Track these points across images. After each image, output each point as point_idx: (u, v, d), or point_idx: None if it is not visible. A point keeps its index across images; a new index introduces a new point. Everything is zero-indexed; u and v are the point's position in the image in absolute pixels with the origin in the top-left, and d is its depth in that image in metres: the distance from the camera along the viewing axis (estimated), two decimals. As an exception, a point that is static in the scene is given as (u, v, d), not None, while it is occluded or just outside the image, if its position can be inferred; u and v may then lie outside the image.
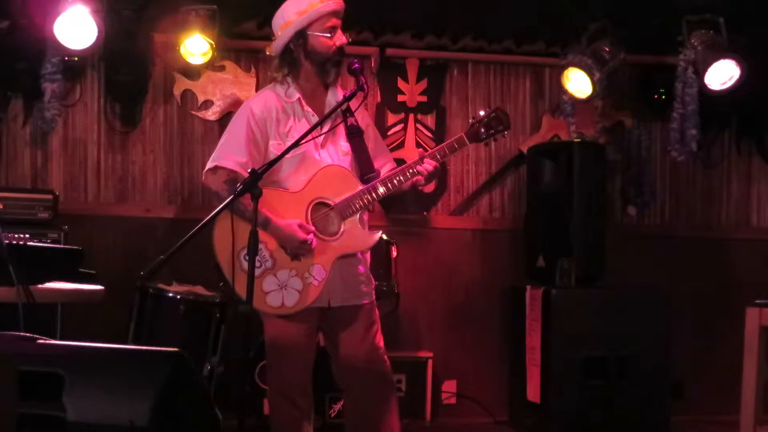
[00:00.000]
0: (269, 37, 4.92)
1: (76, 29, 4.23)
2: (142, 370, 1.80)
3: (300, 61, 3.20)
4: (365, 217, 3.26)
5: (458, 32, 5.05)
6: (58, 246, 3.73)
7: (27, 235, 3.86)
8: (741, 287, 5.01)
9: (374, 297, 3.32)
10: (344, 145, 3.21)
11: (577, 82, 4.84)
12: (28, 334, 1.97)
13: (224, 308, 4.03)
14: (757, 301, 3.72)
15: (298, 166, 3.14)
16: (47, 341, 1.94)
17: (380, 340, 3.29)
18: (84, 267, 2.75)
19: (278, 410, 3.27)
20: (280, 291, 3.09)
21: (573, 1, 4.73)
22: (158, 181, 4.87)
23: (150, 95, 4.83)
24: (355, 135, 3.21)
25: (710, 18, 4.75)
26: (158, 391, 1.74)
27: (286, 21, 3.17)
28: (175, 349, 1.84)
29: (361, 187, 3.11)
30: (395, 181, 3.11)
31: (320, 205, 3.12)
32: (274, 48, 3.24)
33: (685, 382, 5.01)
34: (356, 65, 3.12)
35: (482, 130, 3.19)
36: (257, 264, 2.96)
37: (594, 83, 4.76)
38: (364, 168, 3.19)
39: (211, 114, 4.91)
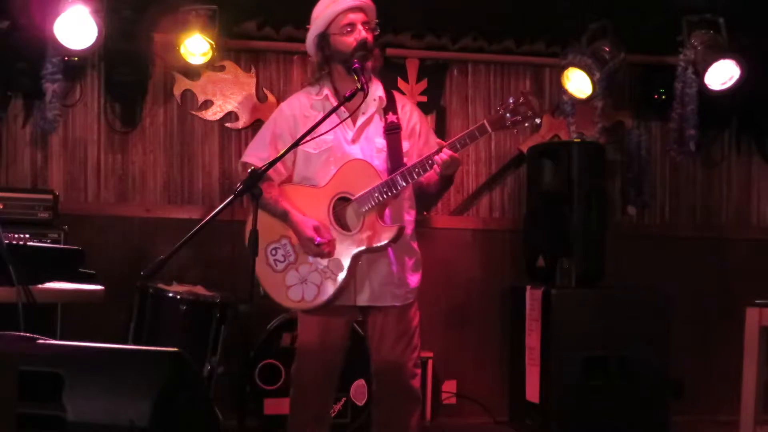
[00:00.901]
0: (269, 37, 4.96)
1: (76, 29, 4.23)
2: (142, 370, 1.79)
3: (328, 63, 3.21)
4: (409, 216, 3.24)
5: (458, 32, 5.05)
6: (58, 246, 3.73)
7: (27, 235, 3.85)
8: (741, 287, 5.01)
9: (411, 301, 3.24)
10: (380, 141, 3.19)
11: (577, 82, 4.84)
12: (28, 334, 1.97)
13: (224, 308, 4.03)
14: (757, 301, 3.72)
15: (327, 162, 3.17)
16: (47, 341, 1.93)
17: (411, 351, 3.22)
18: (84, 267, 2.75)
19: (292, 408, 3.28)
20: (301, 285, 3.13)
21: (573, 1, 4.73)
22: (158, 181, 4.87)
23: (150, 95, 4.83)
24: (392, 132, 3.19)
25: (710, 18, 4.75)
26: (158, 391, 1.74)
27: (309, 27, 3.21)
28: (175, 349, 1.84)
29: (382, 180, 3.08)
30: (414, 173, 3.05)
31: (343, 199, 3.13)
32: (310, 54, 3.29)
33: (685, 382, 5.01)
34: (356, 65, 3.09)
35: (507, 115, 3.05)
36: (281, 259, 3.11)
37: (594, 83, 4.76)
38: (395, 165, 3.14)
39: (211, 114, 4.91)
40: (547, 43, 5.12)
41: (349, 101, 3.05)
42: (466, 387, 5.07)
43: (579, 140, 4.85)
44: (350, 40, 3.13)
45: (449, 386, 5.06)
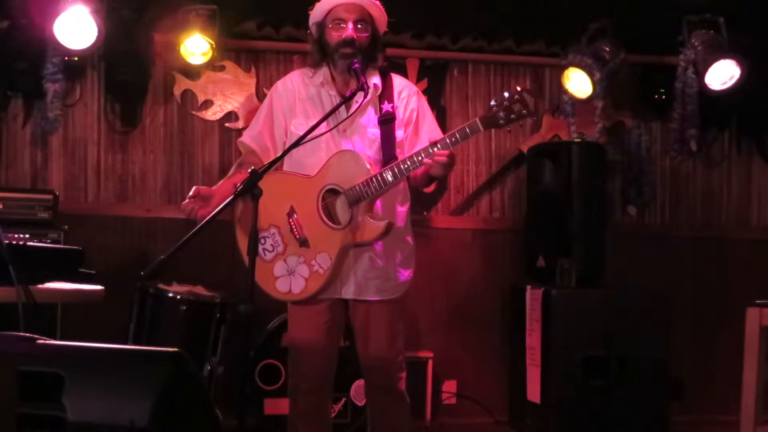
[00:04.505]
0: (269, 37, 4.96)
1: (76, 29, 4.23)
2: (142, 370, 1.80)
3: (324, 51, 3.17)
4: (402, 208, 3.18)
5: (458, 32, 5.05)
6: (58, 246, 3.73)
7: (27, 235, 3.86)
8: (741, 287, 5.01)
9: (398, 296, 3.15)
10: (373, 132, 3.13)
11: (577, 82, 4.84)
12: (28, 334, 1.97)
13: (224, 308, 4.03)
14: (757, 301, 3.71)
15: (318, 149, 3.10)
16: (47, 341, 1.93)
17: (396, 353, 3.16)
18: (84, 267, 2.75)
19: (289, 405, 3.27)
20: (289, 277, 3.09)
21: (573, 1, 4.73)
22: (158, 181, 4.87)
23: (150, 95, 4.83)
24: (385, 122, 3.13)
25: (710, 18, 4.75)
26: (158, 391, 1.74)
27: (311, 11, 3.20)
28: (175, 349, 1.84)
29: (370, 173, 2.99)
30: (402, 168, 2.97)
31: (331, 191, 3.06)
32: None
33: (685, 382, 5.01)
34: (356, 65, 3.05)
35: (501, 114, 2.90)
36: (270, 248, 3.08)
37: (594, 83, 4.76)
38: (388, 156, 3.07)
39: (211, 114, 4.91)
40: (547, 43, 5.12)
41: (349, 101, 3.04)
42: (466, 387, 5.07)
43: (579, 140, 4.85)
44: (335, 34, 3.10)
45: (449, 386, 5.06)
